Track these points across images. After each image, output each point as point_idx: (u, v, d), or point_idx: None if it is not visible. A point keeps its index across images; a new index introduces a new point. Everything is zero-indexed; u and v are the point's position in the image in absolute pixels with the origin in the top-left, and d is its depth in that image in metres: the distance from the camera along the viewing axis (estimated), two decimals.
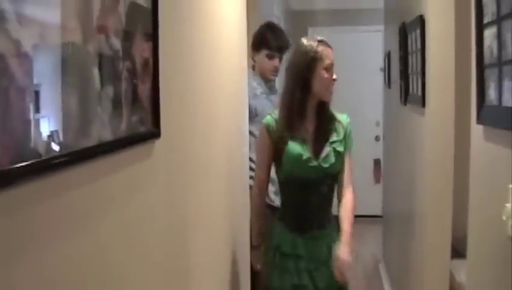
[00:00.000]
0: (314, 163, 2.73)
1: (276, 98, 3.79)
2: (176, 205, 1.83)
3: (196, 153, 2.13)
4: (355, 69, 7.96)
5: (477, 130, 1.99)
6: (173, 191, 1.79)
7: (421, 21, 3.43)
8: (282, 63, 3.86)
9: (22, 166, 0.86)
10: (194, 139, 2.11)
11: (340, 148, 2.78)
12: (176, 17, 1.83)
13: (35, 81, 0.91)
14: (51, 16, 0.96)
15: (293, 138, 2.73)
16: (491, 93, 1.78)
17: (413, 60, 3.78)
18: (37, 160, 0.91)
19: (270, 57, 3.84)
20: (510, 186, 1.60)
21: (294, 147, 2.72)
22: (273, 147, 2.79)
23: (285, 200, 2.89)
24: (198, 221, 2.15)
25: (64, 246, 1.02)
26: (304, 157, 2.72)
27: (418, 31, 3.49)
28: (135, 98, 1.36)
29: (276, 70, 3.88)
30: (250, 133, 3.68)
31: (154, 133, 1.52)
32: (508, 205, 1.59)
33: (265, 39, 3.84)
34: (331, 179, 2.80)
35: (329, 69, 2.74)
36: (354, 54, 7.96)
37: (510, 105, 1.59)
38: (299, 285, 2.75)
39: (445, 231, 3.33)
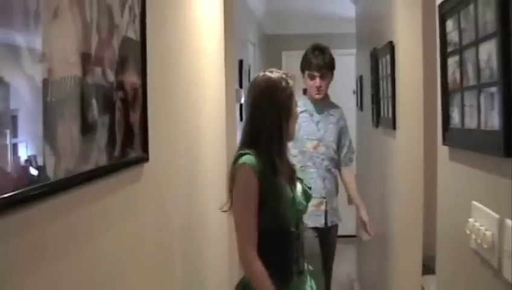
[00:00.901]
0: (299, 203, 2.46)
1: (333, 116, 4.05)
2: (164, 223, 1.94)
3: (181, 175, 2.26)
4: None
5: (443, 151, 2.11)
6: (161, 211, 1.91)
7: (390, 47, 3.57)
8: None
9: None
10: (179, 163, 2.24)
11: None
12: (162, 49, 1.96)
13: (44, 112, 1.02)
14: (58, 51, 1.07)
15: (281, 180, 2.39)
16: (455, 117, 1.90)
17: (384, 85, 3.92)
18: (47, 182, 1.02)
19: (311, 77, 4.00)
20: (473, 202, 1.71)
21: (286, 190, 2.39)
22: (259, 194, 2.32)
23: (267, 252, 2.33)
24: (184, 237, 2.27)
25: (65, 262, 1.13)
26: (293, 198, 2.42)
27: (388, 57, 3.64)
28: (127, 125, 1.47)
29: (318, 90, 4.00)
30: None
31: (143, 157, 1.63)
32: (471, 219, 1.69)
33: (307, 60, 4.03)
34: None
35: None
36: None
37: (471, 128, 1.72)
38: None
39: (416, 248, 3.44)
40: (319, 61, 3.96)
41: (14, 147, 0.93)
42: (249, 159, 2.32)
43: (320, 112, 4.07)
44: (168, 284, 2.02)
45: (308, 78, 4.02)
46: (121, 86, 1.43)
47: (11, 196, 0.92)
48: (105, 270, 1.36)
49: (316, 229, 3.97)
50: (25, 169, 0.96)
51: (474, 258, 1.68)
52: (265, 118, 2.41)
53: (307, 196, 2.54)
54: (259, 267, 2.26)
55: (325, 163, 4.02)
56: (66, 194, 1.10)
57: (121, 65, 1.43)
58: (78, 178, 1.14)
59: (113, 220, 1.43)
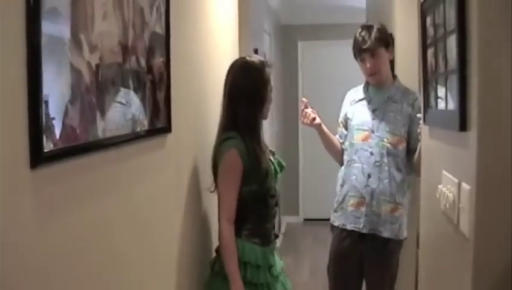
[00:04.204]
0: (277, 172, 2.77)
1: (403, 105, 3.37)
2: (182, 185, 2.33)
3: (198, 145, 2.66)
4: (343, 81, 8.25)
5: (425, 129, 2.40)
6: (180, 175, 2.30)
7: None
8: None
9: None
10: (197, 135, 2.64)
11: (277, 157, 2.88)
12: (183, 41, 2.35)
13: (97, 88, 1.38)
14: (106, 43, 1.43)
15: (261, 154, 2.65)
16: (431, 100, 2.21)
17: None
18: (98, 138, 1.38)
19: (361, 61, 3.44)
20: (442, 171, 2.01)
21: (266, 162, 2.67)
22: (244, 171, 2.60)
23: (254, 217, 2.68)
24: (199, 199, 2.67)
25: (103, 204, 1.50)
26: (274, 169, 2.75)
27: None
28: (154, 102, 1.84)
29: (371, 73, 3.42)
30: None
31: (167, 128, 2.00)
32: (440, 185, 1.98)
33: (353, 44, 3.49)
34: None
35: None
36: (341, 66, 8.34)
37: (441, 108, 2.02)
38: None
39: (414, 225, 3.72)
40: (365, 39, 3.37)
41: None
42: (234, 143, 2.58)
43: (380, 98, 3.45)
44: (182, 227, 2.38)
45: (360, 64, 3.45)
46: (150, 70, 1.79)
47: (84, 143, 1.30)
48: (136, 213, 1.73)
49: (352, 233, 3.44)
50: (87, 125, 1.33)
51: (443, 217, 1.95)
52: (243, 104, 2.65)
53: (281, 166, 2.86)
54: (232, 244, 2.54)
55: (375, 158, 3.34)
56: (109, 150, 1.48)
57: (150, 54, 1.79)
58: (118, 139, 1.51)
59: (144, 175, 1.81)
